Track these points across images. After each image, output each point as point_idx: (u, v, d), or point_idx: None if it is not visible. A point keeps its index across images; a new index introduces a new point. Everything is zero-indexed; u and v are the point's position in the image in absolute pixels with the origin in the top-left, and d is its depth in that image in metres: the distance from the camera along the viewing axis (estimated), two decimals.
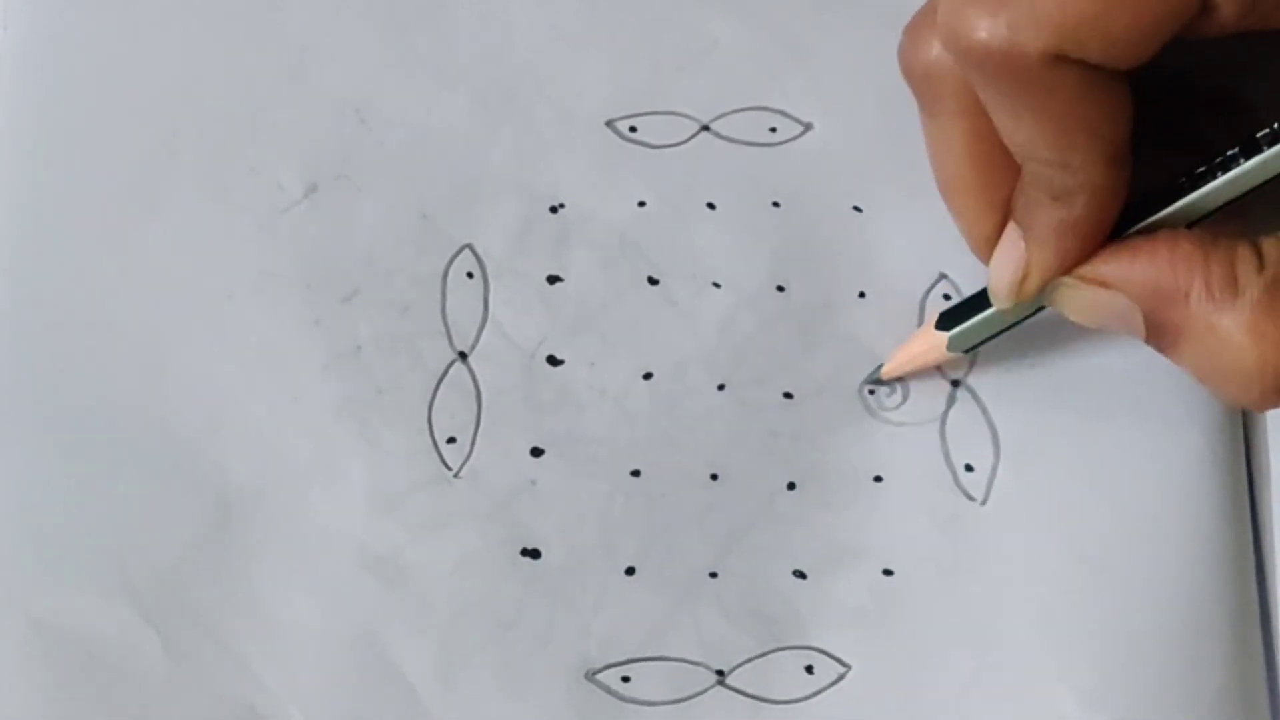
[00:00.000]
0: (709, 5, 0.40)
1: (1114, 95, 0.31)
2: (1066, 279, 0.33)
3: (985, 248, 0.35)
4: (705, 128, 0.39)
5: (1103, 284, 0.33)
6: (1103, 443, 0.37)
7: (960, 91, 0.33)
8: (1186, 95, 0.34)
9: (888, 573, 0.36)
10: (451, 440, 0.37)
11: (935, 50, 0.34)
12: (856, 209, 0.39)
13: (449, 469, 0.36)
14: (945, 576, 0.36)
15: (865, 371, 0.38)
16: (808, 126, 0.39)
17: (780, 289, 0.38)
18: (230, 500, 0.36)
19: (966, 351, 0.37)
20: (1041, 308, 0.35)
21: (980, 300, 0.36)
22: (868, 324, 0.38)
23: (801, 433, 0.37)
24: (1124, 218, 0.33)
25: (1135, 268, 0.32)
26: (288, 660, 0.35)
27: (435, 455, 0.37)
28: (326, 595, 0.35)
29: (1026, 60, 0.30)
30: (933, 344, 0.36)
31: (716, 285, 0.38)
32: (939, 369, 0.38)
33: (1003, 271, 0.34)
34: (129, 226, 0.37)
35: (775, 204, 0.39)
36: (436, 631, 0.35)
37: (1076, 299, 0.34)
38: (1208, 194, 0.33)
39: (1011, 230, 0.34)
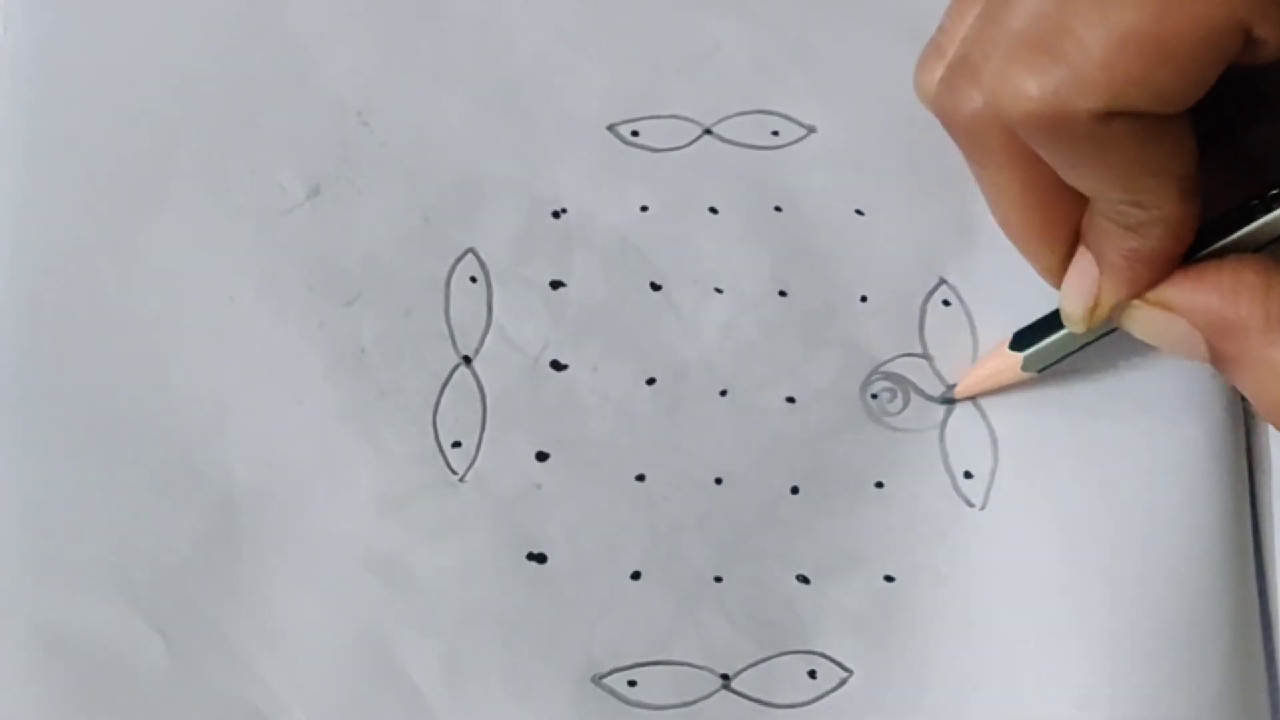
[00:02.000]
0: (710, 8, 0.40)
1: (1173, 133, 0.31)
2: (1135, 302, 0.34)
3: (1053, 277, 0.35)
4: (707, 131, 0.39)
5: (1168, 309, 0.33)
6: (1101, 448, 0.37)
7: (1008, 144, 0.33)
8: (1247, 105, 0.34)
9: (889, 579, 0.37)
10: (456, 444, 0.37)
11: (977, 104, 0.33)
12: (858, 213, 0.39)
13: (454, 473, 0.36)
14: (945, 582, 0.37)
15: (867, 375, 0.38)
16: (810, 130, 0.39)
17: (782, 293, 0.38)
18: (234, 503, 0.36)
19: (1040, 371, 0.37)
20: (1115, 329, 0.35)
21: (1053, 321, 0.36)
22: (869, 328, 0.38)
23: (804, 437, 0.37)
24: (1195, 239, 0.33)
25: (1199, 296, 0.33)
26: (292, 664, 0.35)
27: (440, 459, 0.37)
28: (331, 598, 0.35)
29: (1079, 121, 0.30)
30: (1007, 364, 0.37)
31: (719, 290, 0.38)
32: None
33: (1075, 298, 0.34)
34: (131, 228, 0.37)
35: (777, 209, 0.39)
36: (442, 635, 0.35)
37: (1144, 322, 0.34)
38: (1277, 218, 0.33)
39: (1083, 256, 0.34)
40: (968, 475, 0.38)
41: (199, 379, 0.36)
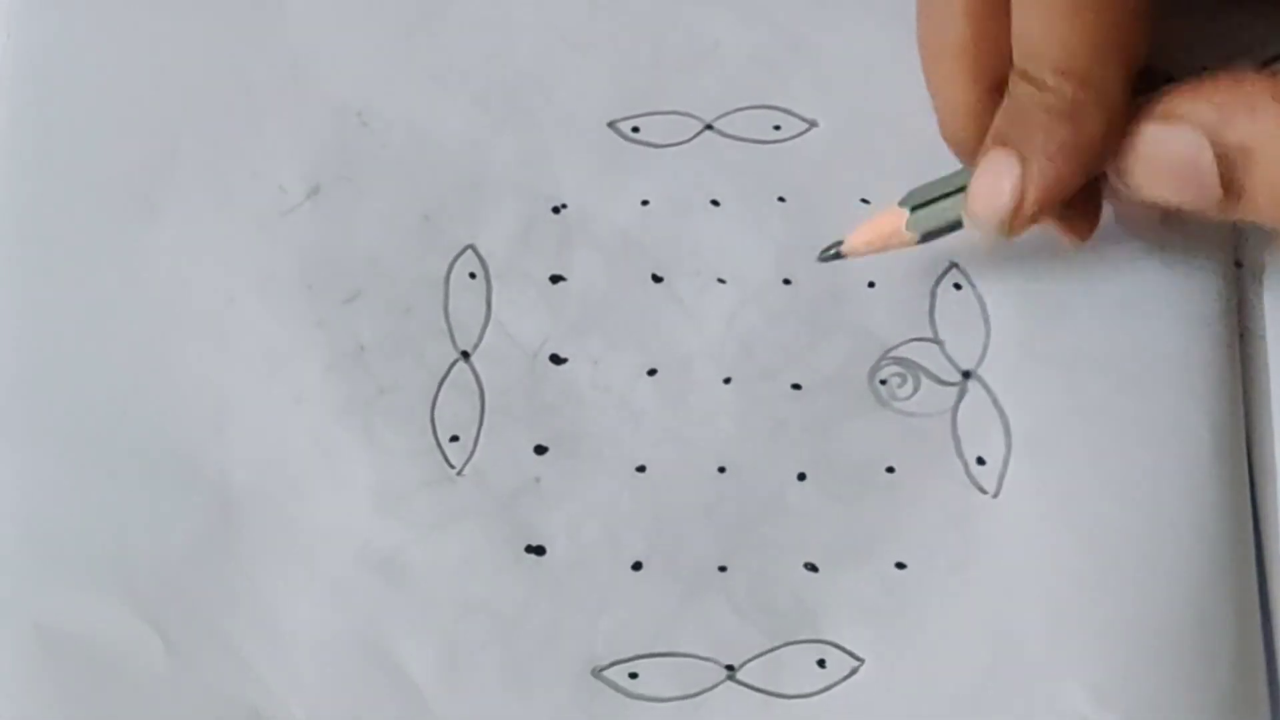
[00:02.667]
0: (710, 4, 0.40)
1: (1142, 12, 0.30)
2: (1144, 124, 0.31)
3: (965, 121, 0.34)
4: (708, 126, 0.39)
5: (1171, 117, 0.31)
6: (1114, 436, 0.36)
7: None
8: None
9: (900, 566, 0.36)
10: (454, 439, 0.36)
11: None
12: (864, 201, 0.38)
13: (452, 467, 0.36)
14: (957, 570, 0.35)
15: (875, 361, 0.37)
16: (812, 124, 0.39)
17: (787, 281, 0.38)
18: (233, 501, 0.36)
19: (924, 239, 0.36)
20: None
21: (945, 183, 0.35)
22: (878, 314, 0.38)
23: (811, 423, 0.37)
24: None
25: (1201, 99, 0.31)
26: (291, 661, 0.34)
27: (438, 454, 0.36)
28: (330, 595, 0.35)
29: None
30: (895, 225, 0.35)
31: (721, 280, 0.38)
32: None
33: (990, 200, 0.33)
34: (131, 229, 0.37)
35: (780, 199, 0.38)
36: (441, 630, 0.35)
37: (1149, 151, 0.31)
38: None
39: (998, 156, 0.32)
40: (980, 461, 0.36)
41: (199, 377, 0.36)
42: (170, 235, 0.37)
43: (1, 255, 0.37)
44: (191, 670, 0.34)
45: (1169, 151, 0.31)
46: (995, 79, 0.33)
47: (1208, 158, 0.31)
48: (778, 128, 0.39)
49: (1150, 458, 0.36)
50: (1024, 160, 0.32)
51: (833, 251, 0.37)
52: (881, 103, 0.39)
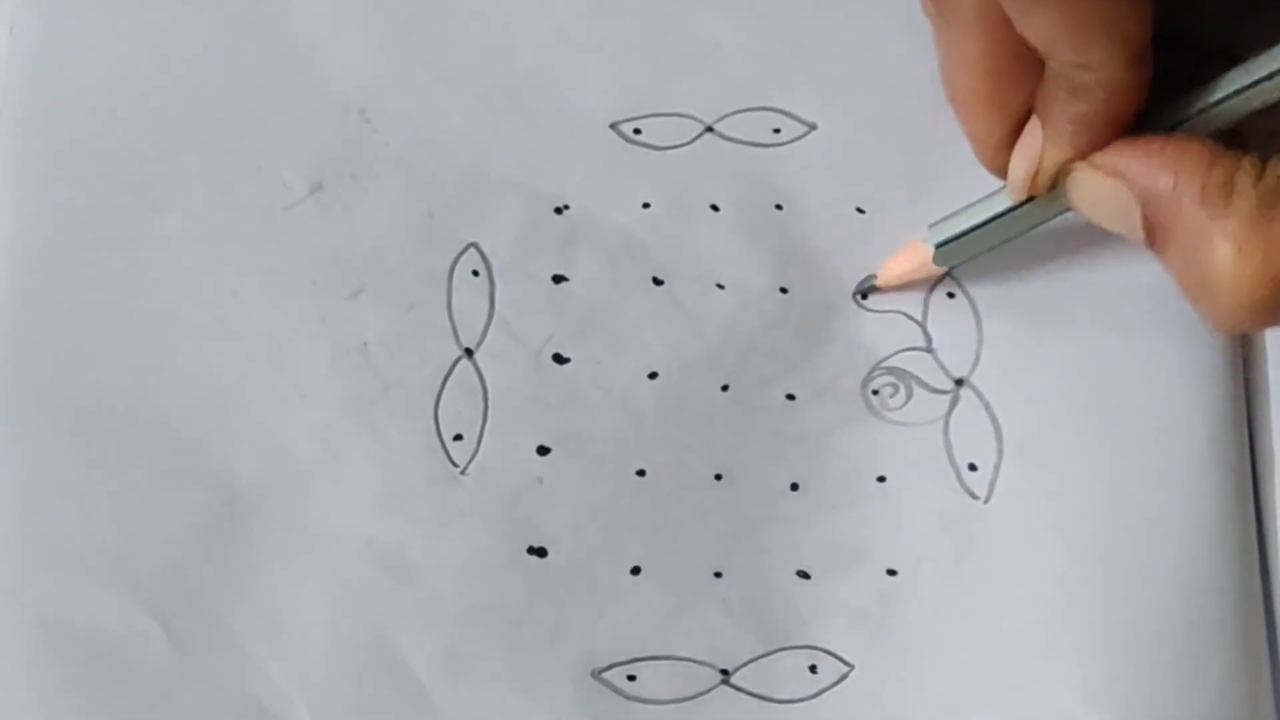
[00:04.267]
0: (712, 6, 0.40)
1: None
2: (1078, 164, 0.34)
3: (995, 155, 0.35)
4: (709, 129, 0.39)
5: (1109, 172, 0.33)
6: (1106, 441, 0.37)
7: (976, 3, 0.33)
8: (1186, 54, 0.34)
9: (891, 573, 0.37)
10: (458, 437, 0.37)
11: None
12: (859, 210, 0.39)
13: (455, 466, 0.37)
14: (948, 576, 0.37)
15: (868, 371, 0.38)
16: (811, 127, 0.39)
17: (783, 290, 0.38)
18: (236, 497, 0.36)
19: (952, 269, 0.37)
20: (1034, 225, 0.36)
21: (970, 214, 0.36)
22: (871, 325, 0.38)
23: (805, 433, 0.37)
24: (1146, 119, 0.33)
25: (1139, 160, 0.33)
26: (294, 656, 0.35)
27: (442, 452, 0.37)
28: (333, 591, 0.35)
29: None
30: (922, 258, 0.37)
31: (720, 286, 0.38)
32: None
33: (1019, 162, 0.35)
34: (135, 224, 0.37)
35: (778, 206, 0.39)
36: (443, 629, 0.35)
37: (1083, 186, 0.34)
38: (1228, 97, 0.33)
39: (1032, 125, 0.34)
40: (972, 468, 0.37)
41: (203, 373, 0.36)
42: (174, 230, 0.37)
43: (5, 250, 0.37)
44: (195, 664, 0.35)
45: (1106, 199, 0.33)
46: (1021, 109, 0.35)
47: (1136, 219, 0.33)
48: (777, 130, 0.39)
49: (1143, 463, 0.37)
50: (1045, 129, 0.34)
51: (868, 285, 0.38)
52: (881, 105, 0.39)
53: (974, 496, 0.37)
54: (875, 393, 0.38)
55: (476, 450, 0.37)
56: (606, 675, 0.36)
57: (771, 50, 0.40)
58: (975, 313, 0.38)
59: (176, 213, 0.37)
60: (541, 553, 0.36)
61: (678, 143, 0.39)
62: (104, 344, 0.36)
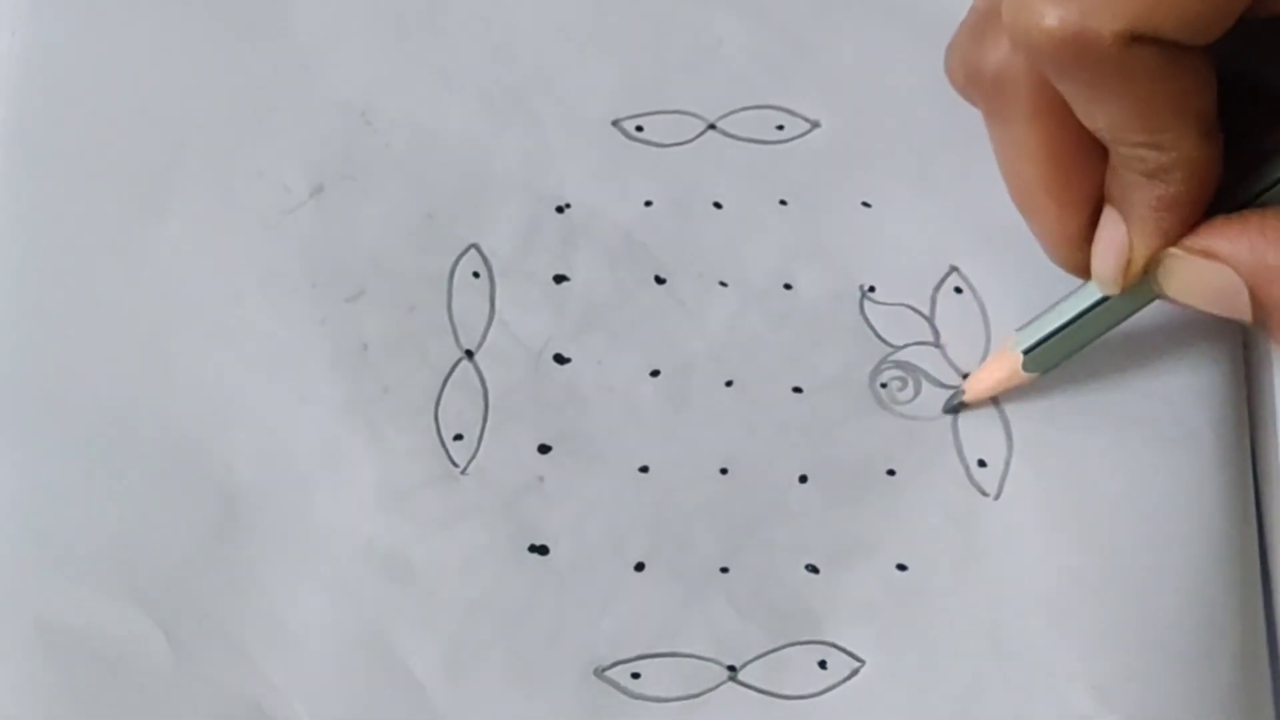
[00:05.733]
0: (715, 4, 0.40)
1: (1195, 67, 0.31)
2: (1174, 250, 0.33)
3: (1070, 249, 0.34)
4: (712, 126, 0.39)
5: (1209, 255, 0.32)
6: (1115, 438, 0.37)
7: (1032, 92, 0.33)
8: (1241, 94, 0.34)
9: (901, 567, 0.36)
10: (458, 438, 0.36)
11: (1001, 53, 0.33)
12: (865, 204, 0.38)
13: (455, 466, 0.36)
14: (958, 571, 0.36)
15: (876, 364, 0.37)
16: (814, 124, 0.39)
17: (788, 286, 0.38)
18: (237, 499, 0.36)
19: (1044, 372, 0.36)
20: (1123, 318, 0.35)
21: (1055, 317, 0.35)
22: (878, 317, 0.38)
23: (812, 425, 0.37)
24: (1219, 196, 0.33)
25: (1243, 240, 0.32)
26: (295, 658, 0.35)
27: (442, 452, 0.36)
28: (334, 593, 0.35)
29: (1101, 45, 0.29)
30: (1012, 367, 0.36)
31: (723, 284, 0.38)
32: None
33: (1106, 256, 0.34)
34: (136, 228, 0.37)
35: (782, 202, 0.38)
36: (445, 629, 0.35)
37: (1182, 274, 0.33)
38: None
39: (1109, 215, 0.33)
40: (981, 464, 0.37)
41: (203, 375, 0.36)
42: (175, 233, 0.37)
43: (6, 253, 0.37)
44: (195, 667, 0.34)
45: (1209, 283, 0.33)
46: (1093, 200, 0.34)
47: (1244, 299, 0.32)
48: (780, 128, 0.39)
49: (1152, 458, 0.36)
50: (1128, 219, 0.33)
51: (956, 402, 0.37)
52: (884, 103, 0.39)
53: (984, 493, 0.36)
54: (884, 385, 0.37)
55: (477, 450, 0.36)
56: (610, 673, 0.35)
57: (774, 47, 0.40)
58: (983, 309, 0.38)
59: (177, 216, 0.37)
60: (543, 551, 0.36)
61: (680, 140, 0.39)
62: (105, 347, 0.36)
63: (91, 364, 0.36)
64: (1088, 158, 0.33)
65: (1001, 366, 0.36)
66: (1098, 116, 0.32)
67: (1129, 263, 0.33)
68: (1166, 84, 0.30)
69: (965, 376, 0.37)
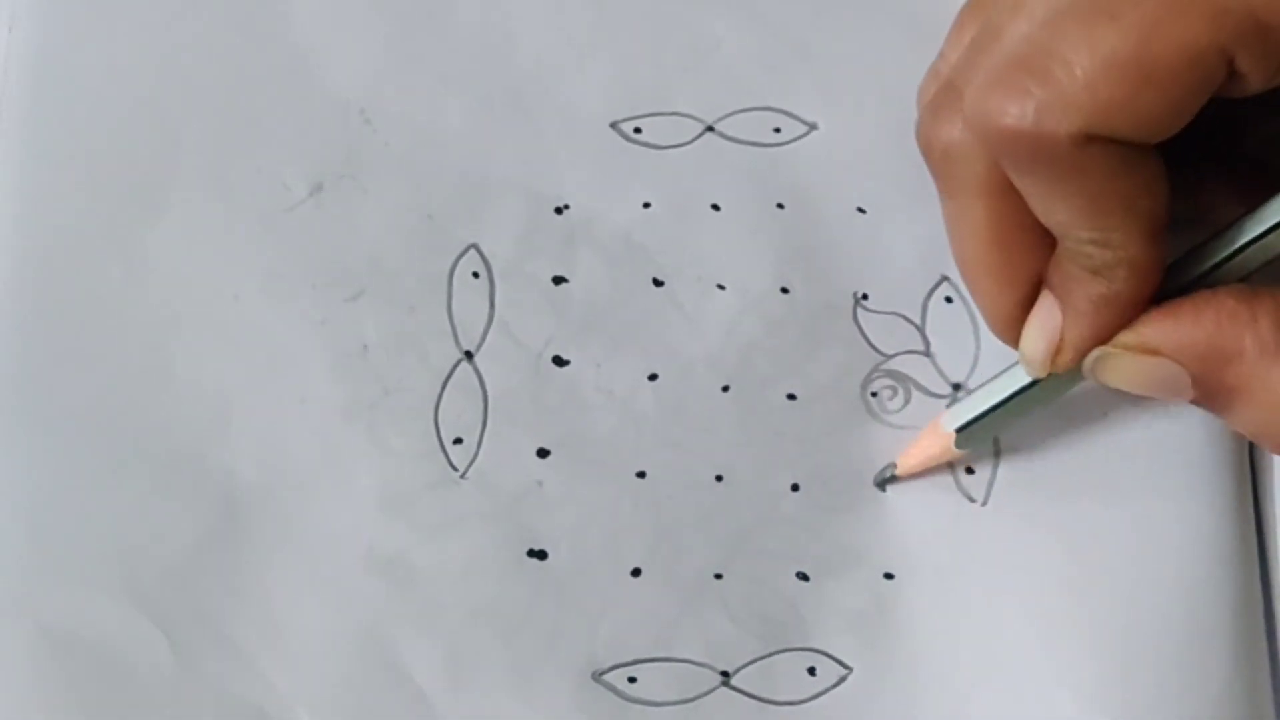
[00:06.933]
0: (713, 6, 0.40)
1: (1148, 168, 0.31)
2: (1108, 348, 0.33)
3: (1006, 327, 0.35)
4: (710, 128, 0.39)
5: (1150, 351, 0.32)
6: (1103, 444, 0.37)
7: (981, 173, 0.33)
8: (1196, 166, 0.34)
9: (889, 576, 0.37)
10: (458, 441, 0.37)
11: (956, 131, 0.33)
12: (860, 210, 0.39)
13: (455, 469, 0.37)
14: (946, 579, 0.37)
15: (868, 372, 0.38)
16: (812, 127, 0.39)
17: (784, 290, 0.38)
18: (237, 501, 0.36)
19: (974, 449, 0.37)
20: (1054, 399, 0.35)
21: (985, 396, 0.36)
22: (871, 326, 0.38)
23: (805, 434, 0.38)
24: (1167, 273, 0.33)
25: (1182, 331, 0.32)
26: (295, 661, 0.35)
27: (441, 456, 0.37)
28: (334, 596, 0.36)
29: (1057, 143, 0.30)
30: (943, 444, 0.36)
31: (721, 287, 0.38)
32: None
33: (1037, 342, 0.34)
34: (135, 226, 0.37)
35: (779, 205, 0.39)
36: (444, 632, 0.36)
37: (1120, 368, 0.33)
38: (1245, 247, 0.32)
39: (1046, 300, 0.34)
40: (969, 471, 0.38)
41: (203, 376, 0.36)
42: (174, 232, 0.37)
43: (5, 252, 0.36)
44: (196, 670, 0.35)
45: (1149, 375, 0.33)
46: (1031, 280, 0.34)
47: (1186, 385, 0.32)
48: (778, 130, 0.39)
49: (1142, 464, 0.37)
50: (1064, 310, 0.33)
51: (889, 475, 0.37)
52: (882, 107, 0.39)
53: (971, 500, 0.37)
54: (874, 395, 0.38)
55: (476, 454, 0.37)
56: (607, 677, 0.36)
57: (772, 50, 0.40)
58: (973, 318, 0.38)
59: (176, 215, 0.37)
60: (542, 555, 0.36)
61: (678, 142, 0.39)
62: (104, 348, 0.36)
63: (90, 365, 0.36)
64: (1031, 241, 0.33)
65: (933, 444, 0.37)
66: (1049, 210, 0.32)
67: (1059, 350, 0.34)
68: (1119, 183, 0.31)
69: (956, 387, 0.38)
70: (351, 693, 0.35)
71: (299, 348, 0.37)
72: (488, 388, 0.37)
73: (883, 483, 0.37)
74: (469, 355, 0.37)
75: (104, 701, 0.34)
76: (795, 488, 0.37)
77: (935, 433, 0.37)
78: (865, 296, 0.39)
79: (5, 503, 0.35)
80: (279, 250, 0.37)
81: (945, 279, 0.39)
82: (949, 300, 0.39)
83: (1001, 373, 0.36)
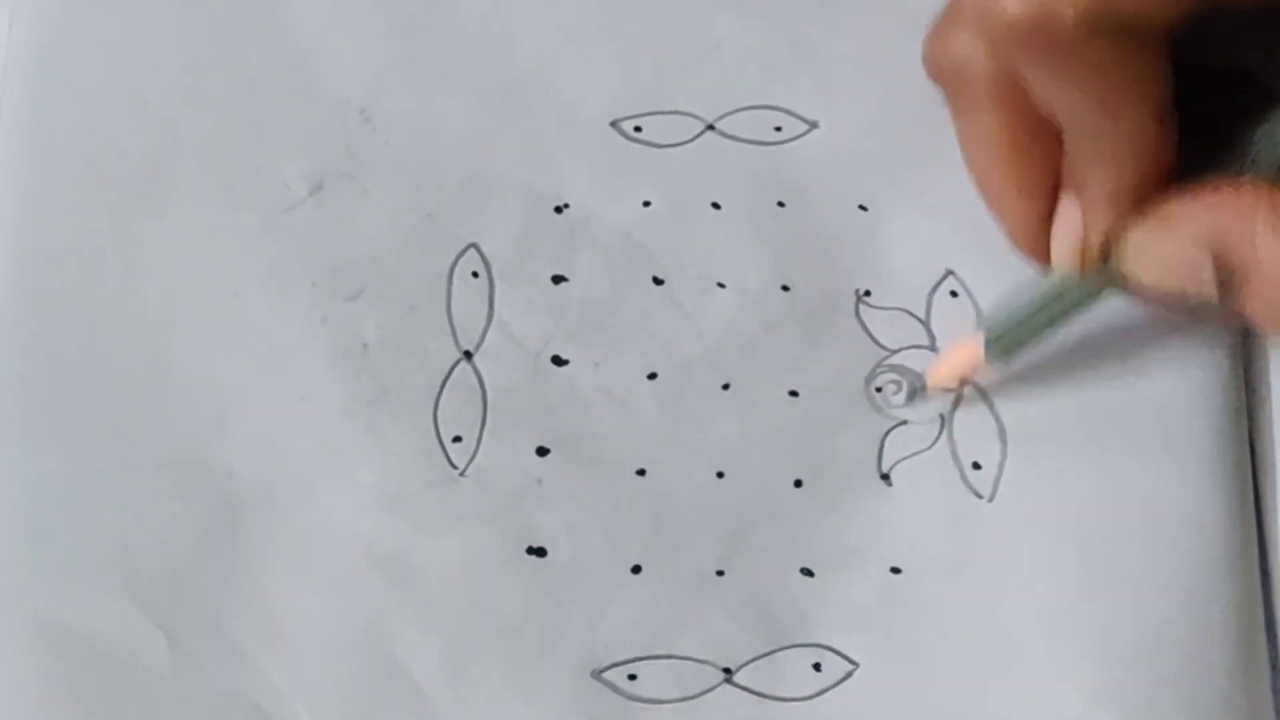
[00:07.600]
0: (713, 4, 0.40)
1: (1152, 54, 0.31)
2: (1134, 226, 0.33)
3: (1030, 237, 0.35)
4: (710, 127, 0.39)
5: (1164, 221, 0.32)
6: (1110, 440, 0.37)
7: (992, 81, 0.33)
8: (1194, 80, 0.34)
9: (895, 571, 0.36)
10: (457, 439, 0.37)
11: (963, 43, 0.34)
12: (862, 207, 0.39)
13: (454, 468, 0.36)
14: (952, 574, 0.36)
15: (871, 368, 0.38)
16: (813, 125, 0.39)
17: (785, 288, 0.38)
18: (237, 499, 0.36)
19: (1005, 360, 0.36)
20: (1084, 305, 0.35)
21: (1015, 303, 0.36)
22: (874, 321, 0.38)
23: (807, 430, 0.37)
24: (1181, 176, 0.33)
25: (1199, 207, 0.32)
26: (294, 659, 0.35)
27: (441, 454, 0.36)
28: (333, 594, 0.35)
29: (1063, 29, 0.30)
30: (974, 355, 0.36)
31: (721, 285, 0.38)
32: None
33: (1063, 240, 0.34)
34: (135, 225, 0.37)
35: (780, 204, 0.39)
36: (443, 630, 0.35)
37: (1141, 248, 0.33)
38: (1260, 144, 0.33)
39: (1066, 200, 0.34)
40: (976, 466, 0.37)
41: (202, 375, 0.36)
42: (173, 231, 0.37)
43: (5, 252, 0.37)
44: (195, 668, 0.35)
45: (1166, 253, 0.33)
46: (1051, 186, 0.34)
47: (1207, 268, 0.32)
48: (779, 128, 0.39)
49: (1148, 460, 0.37)
50: (1083, 203, 0.34)
51: (918, 388, 0.37)
52: (883, 103, 0.39)
53: (978, 495, 0.37)
54: (879, 389, 0.38)
55: (475, 452, 0.37)
56: (607, 675, 0.35)
57: (772, 48, 0.40)
58: (979, 312, 0.38)
59: (176, 214, 0.37)
60: (541, 553, 0.36)
61: (678, 141, 0.39)
62: (103, 346, 0.36)
63: (90, 363, 0.36)
64: (1046, 146, 0.34)
65: (964, 354, 0.37)
66: (1058, 100, 0.32)
67: (1084, 246, 0.34)
68: (1124, 69, 0.31)
69: (962, 380, 0.38)
70: (351, 690, 0.35)
71: (299, 346, 0.37)
72: (487, 387, 0.37)
73: (912, 394, 0.37)
74: (468, 355, 0.37)
75: (103, 699, 0.34)
76: (798, 484, 0.37)
77: (966, 344, 0.36)
78: (868, 293, 0.38)
79: (5, 501, 0.35)
80: (279, 249, 0.37)
81: (950, 273, 0.38)
82: (954, 294, 0.38)
83: (1034, 283, 0.36)
